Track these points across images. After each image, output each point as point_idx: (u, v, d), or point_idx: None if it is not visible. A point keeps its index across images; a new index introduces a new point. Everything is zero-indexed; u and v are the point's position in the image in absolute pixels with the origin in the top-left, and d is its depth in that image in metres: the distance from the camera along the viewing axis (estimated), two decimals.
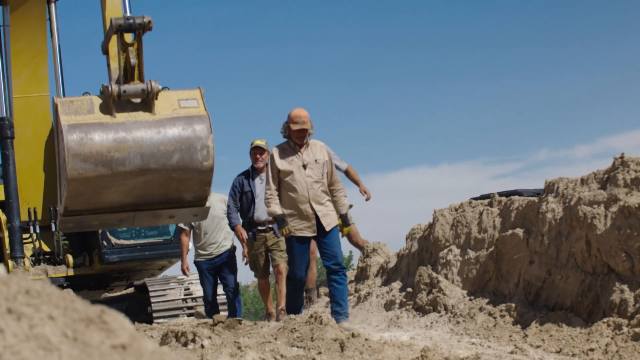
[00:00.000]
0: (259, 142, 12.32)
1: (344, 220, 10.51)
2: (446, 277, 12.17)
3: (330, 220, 10.12)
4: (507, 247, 10.93)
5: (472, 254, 11.87)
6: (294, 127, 10.10)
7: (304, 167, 10.10)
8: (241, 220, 12.32)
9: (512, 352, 8.56)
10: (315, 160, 10.15)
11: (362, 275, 14.58)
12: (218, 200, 12.79)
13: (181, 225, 12.96)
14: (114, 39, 9.04)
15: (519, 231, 10.76)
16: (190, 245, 13.20)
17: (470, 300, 11.25)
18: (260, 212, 11.97)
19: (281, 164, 10.13)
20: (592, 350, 8.25)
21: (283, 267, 12.07)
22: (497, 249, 11.15)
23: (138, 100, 9.05)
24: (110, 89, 8.88)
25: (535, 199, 10.91)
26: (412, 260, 13.70)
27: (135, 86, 8.96)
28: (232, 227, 12.39)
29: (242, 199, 12.31)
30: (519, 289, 10.51)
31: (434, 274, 12.20)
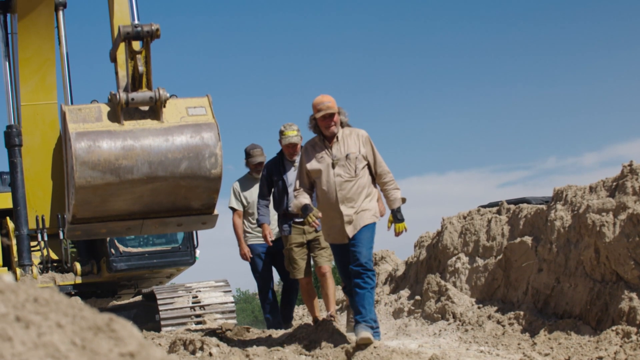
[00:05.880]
0: (290, 135, 10.77)
1: (395, 216, 8.95)
2: (454, 285, 12.16)
3: (352, 229, 8.75)
4: (516, 255, 10.91)
5: (480, 261, 11.86)
6: (318, 114, 8.75)
7: (333, 165, 8.80)
8: (269, 219, 11.03)
9: None
10: (347, 156, 8.78)
11: None
12: None
13: (232, 205, 12.01)
14: (122, 46, 9.05)
15: (528, 239, 10.74)
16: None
17: (479, 308, 11.24)
18: None
19: (310, 163, 8.89)
20: (600, 358, 8.23)
21: (327, 267, 10.81)
22: (506, 257, 11.14)
23: (146, 108, 9.06)
24: (118, 96, 8.89)
25: (544, 206, 10.90)
26: (420, 268, 13.70)
27: (143, 94, 8.97)
28: (259, 225, 11.14)
29: (273, 189, 10.88)
30: (527, 297, 10.50)
31: (443, 282, 12.19)
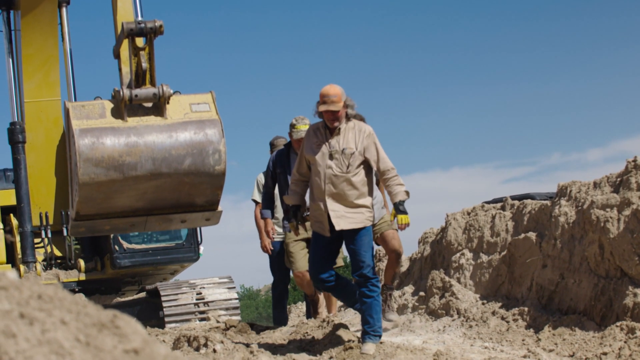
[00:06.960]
0: (302, 129, 10.26)
1: (398, 208, 8.53)
2: (459, 281, 12.14)
3: (343, 224, 8.43)
4: (520, 250, 10.90)
5: (484, 257, 11.85)
6: (321, 107, 8.40)
7: (330, 156, 8.47)
8: (271, 213, 10.88)
9: (525, 356, 8.53)
10: (342, 151, 8.46)
11: None
12: None
13: (255, 197, 11.74)
14: (125, 43, 9.06)
15: (532, 235, 10.72)
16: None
17: (483, 304, 11.22)
18: None
19: (308, 150, 8.60)
20: (605, 354, 8.22)
21: None
22: (510, 253, 11.12)
23: (150, 104, 9.06)
24: (121, 93, 8.90)
25: (548, 202, 10.88)
26: (424, 264, 13.68)
27: (146, 90, 8.97)
28: (262, 218, 10.96)
29: (277, 182, 10.59)
30: (531, 293, 10.48)
31: (447, 278, 12.18)
